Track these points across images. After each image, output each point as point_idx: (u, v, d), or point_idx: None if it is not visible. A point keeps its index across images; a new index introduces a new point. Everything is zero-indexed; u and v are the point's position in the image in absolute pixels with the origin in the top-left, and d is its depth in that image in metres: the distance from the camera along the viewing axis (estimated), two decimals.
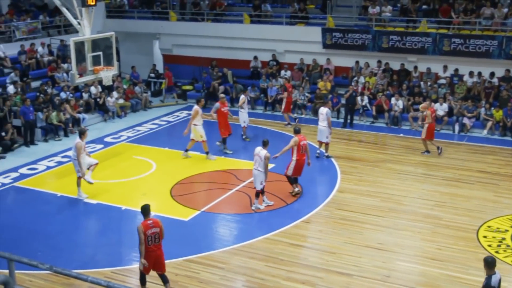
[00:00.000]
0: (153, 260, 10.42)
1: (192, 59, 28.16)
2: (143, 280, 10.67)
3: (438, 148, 18.94)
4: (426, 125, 18.76)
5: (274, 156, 15.29)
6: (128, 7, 30.12)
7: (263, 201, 14.98)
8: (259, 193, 14.79)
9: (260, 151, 14.55)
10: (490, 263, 8.52)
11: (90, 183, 15.60)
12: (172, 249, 12.72)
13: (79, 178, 15.59)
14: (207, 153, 18.74)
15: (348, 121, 22.60)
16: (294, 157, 15.33)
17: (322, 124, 18.28)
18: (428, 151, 18.94)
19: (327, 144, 18.49)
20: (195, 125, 18.42)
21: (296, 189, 15.57)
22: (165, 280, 10.67)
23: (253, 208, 14.89)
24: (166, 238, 13.24)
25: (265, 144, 14.75)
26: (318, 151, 18.70)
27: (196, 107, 18.67)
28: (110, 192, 15.93)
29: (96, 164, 15.78)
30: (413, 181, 16.82)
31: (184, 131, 18.67)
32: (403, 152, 19.30)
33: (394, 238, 13.21)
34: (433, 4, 24.70)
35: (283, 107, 22.83)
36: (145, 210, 10.51)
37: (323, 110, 18.39)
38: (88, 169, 15.61)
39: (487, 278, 8.50)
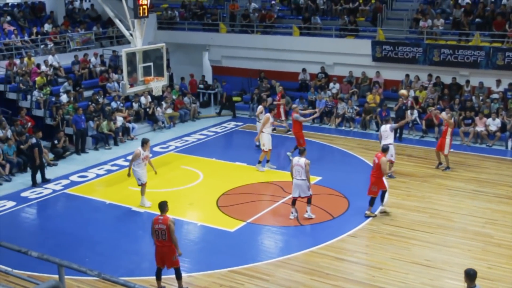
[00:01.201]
0: (159, 255, 10.96)
1: (241, 71, 28.32)
2: (157, 276, 11.22)
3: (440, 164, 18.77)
4: (448, 139, 18.39)
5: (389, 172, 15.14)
6: (179, 19, 30.54)
7: (307, 211, 14.94)
8: (310, 199, 14.75)
9: (299, 160, 14.52)
10: (471, 276, 8.58)
11: (145, 206, 15.75)
12: (217, 260, 12.81)
13: (140, 186, 15.75)
14: (259, 162, 18.79)
15: (397, 135, 22.32)
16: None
17: (387, 141, 17.46)
18: (448, 167, 18.69)
19: (392, 162, 17.94)
20: (262, 132, 18.63)
21: (387, 210, 15.13)
22: (178, 275, 11.16)
23: (305, 216, 14.87)
24: (211, 248, 13.40)
25: (302, 152, 14.78)
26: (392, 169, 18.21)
27: (267, 114, 18.81)
28: (158, 201, 15.97)
29: (144, 184, 15.82)
30: (463, 197, 16.45)
31: (255, 137, 18.93)
32: (453, 168, 18.86)
33: (442, 255, 12.92)
34: (487, 17, 24.21)
35: (281, 113, 23.24)
36: (160, 206, 11.17)
37: (386, 127, 17.83)
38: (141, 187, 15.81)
39: None
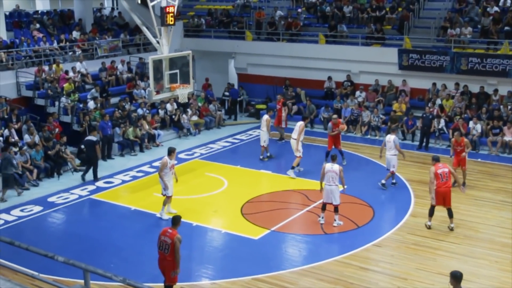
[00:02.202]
0: (160, 266, 10.88)
1: (266, 78, 28.36)
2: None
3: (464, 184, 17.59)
4: (466, 155, 17.69)
5: (431, 198, 14.51)
6: (206, 26, 30.71)
7: (335, 220, 14.94)
8: (337, 208, 14.81)
9: (333, 166, 14.68)
10: (458, 278, 8.62)
11: (162, 218, 15.60)
12: (241, 267, 12.79)
13: (165, 196, 15.55)
14: (292, 167, 18.85)
15: (424, 143, 22.14)
16: (434, 186, 14.49)
17: (390, 153, 17.46)
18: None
19: (392, 173, 17.71)
20: (294, 139, 18.79)
21: (428, 223, 14.76)
22: None
23: (335, 225, 14.87)
24: (235, 256, 13.40)
25: (334, 159, 14.98)
26: (393, 180, 18.00)
27: (302, 123, 19.02)
28: (182, 208, 16.11)
29: (170, 197, 15.70)
30: (491, 207, 16.22)
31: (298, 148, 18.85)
32: (480, 178, 18.66)
33: (469, 267, 12.72)
34: None
35: (283, 121, 23.14)
36: (173, 219, 11.00)
37: (390, 138, 17.54)
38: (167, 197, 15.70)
39: None
